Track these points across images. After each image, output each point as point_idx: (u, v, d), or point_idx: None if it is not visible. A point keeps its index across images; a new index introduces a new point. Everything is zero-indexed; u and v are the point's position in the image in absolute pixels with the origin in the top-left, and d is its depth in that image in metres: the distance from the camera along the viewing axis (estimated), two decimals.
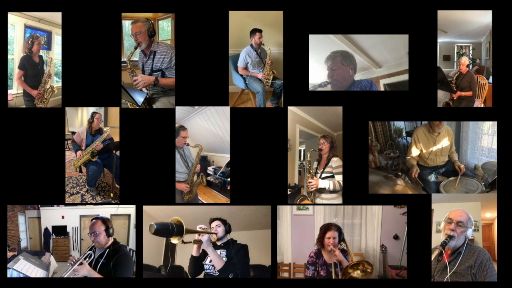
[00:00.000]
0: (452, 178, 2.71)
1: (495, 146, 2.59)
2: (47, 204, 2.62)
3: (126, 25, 2.66)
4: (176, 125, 2.63)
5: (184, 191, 2.67)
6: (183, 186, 2.66)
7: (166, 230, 2.11)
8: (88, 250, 2.37)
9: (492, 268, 2.16)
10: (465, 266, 2.16)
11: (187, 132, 2.68)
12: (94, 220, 2.43)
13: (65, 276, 2.29)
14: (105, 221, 2.42)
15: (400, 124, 2.78)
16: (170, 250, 2.76)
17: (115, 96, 2.59)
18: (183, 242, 2.22)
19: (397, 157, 2.81)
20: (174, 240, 2.18)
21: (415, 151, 2.76)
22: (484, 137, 2.68)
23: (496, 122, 2.57)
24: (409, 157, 2.78)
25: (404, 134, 2.83)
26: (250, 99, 2.86)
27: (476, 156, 2.76)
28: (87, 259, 2.34)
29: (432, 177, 2.75)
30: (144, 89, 2.69)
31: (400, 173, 2.73)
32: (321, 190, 2.66)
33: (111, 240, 2.42)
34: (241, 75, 2.83)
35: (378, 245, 2.79)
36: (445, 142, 2.72)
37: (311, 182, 2.65)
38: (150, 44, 2.68)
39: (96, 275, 2.31)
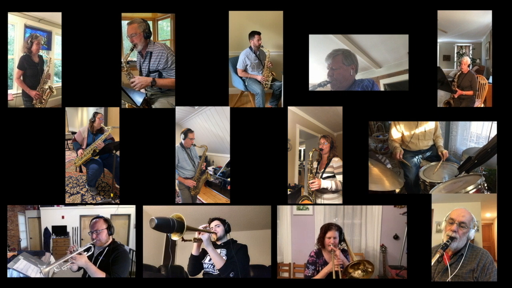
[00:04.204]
0: (433, 163, 2.66)
1: (485, 132, 2.50)
2: (47, 204, 2.62)
3: (126, 25, 2.65)
4: (184, 129, 2.73)
5: (191, 186, 2.77)
6: (190, 182, 2.76)
7: (166, 226, 2.10)
8: (89, 244, 2.40)
9: (495, 271, 2.12)
10: (467, 270, 2.10)
11: (194, 134, 2.77)
12: (96, 219, 2.44)
13: (61, 262, 2.30)
14: (107, 220, 2.46)
15: None
16: (170, 249, 2.76)
17: (115, 96, 2.59)
18: (183, 239, 2.21)
19: (386, 140, 2.74)
20: (174, 237, 2.17)
21: (395, 133, 2.65)
22: (473, 123, 2.63)
23: (496, 122, 2.57)
24: (390, 140, 2.68)
25: None
26: (249, 101, 2.87)
27: (466, 142, 2.69)
28: (86, 252, 2.36)
29: (414, 161, 2.69)
30: (142, 90, 2.69)
31: (381, 156, 2.65)
32: (323, 190, 2.66)
33: (110, 239, 2.45)
34: (240, 77, 2.83)
35: (378, 245, 2.79)
36: (429, 125, 2.62)
37: (313, 182, 2.65)
38: (146, 45, 2.68)
39: (93, 267, 2.32)
